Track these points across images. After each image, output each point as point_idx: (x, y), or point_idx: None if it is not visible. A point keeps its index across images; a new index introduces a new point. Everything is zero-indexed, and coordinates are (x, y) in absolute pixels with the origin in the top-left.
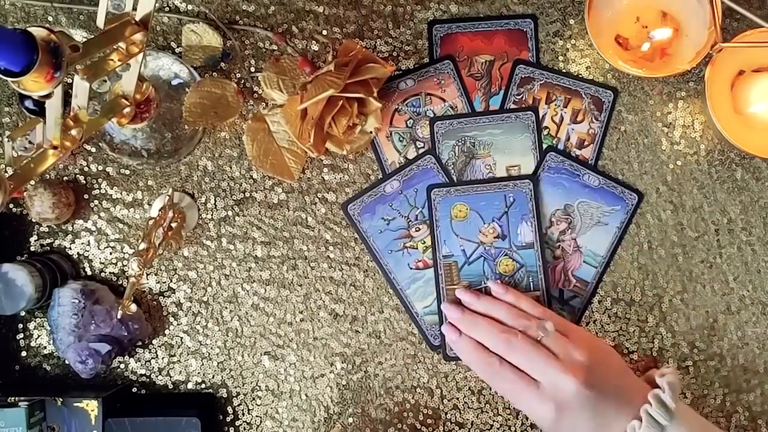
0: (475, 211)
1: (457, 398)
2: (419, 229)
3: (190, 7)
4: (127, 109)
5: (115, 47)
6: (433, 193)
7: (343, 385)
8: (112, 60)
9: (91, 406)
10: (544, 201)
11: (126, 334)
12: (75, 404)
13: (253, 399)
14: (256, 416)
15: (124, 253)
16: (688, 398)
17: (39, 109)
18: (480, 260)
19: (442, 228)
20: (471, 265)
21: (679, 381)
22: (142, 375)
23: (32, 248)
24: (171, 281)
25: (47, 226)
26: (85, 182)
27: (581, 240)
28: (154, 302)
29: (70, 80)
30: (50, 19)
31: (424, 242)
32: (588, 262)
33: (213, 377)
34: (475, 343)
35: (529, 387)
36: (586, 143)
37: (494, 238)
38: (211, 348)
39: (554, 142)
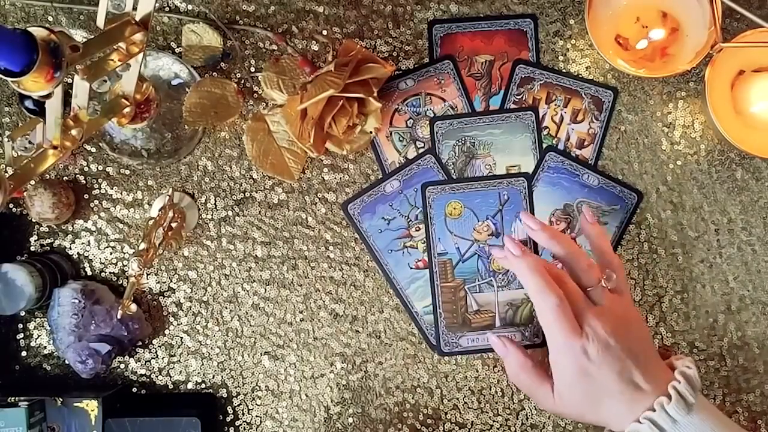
0: (470, 209)
1: (458, 398)
2: (419, 229)
3: (190, 7)
4: (127, 109)
5: (115, 47)
6: (428, 191)
7: (343, 385)
8: (112, 60)
9: (91, 406)
10: (544, 201)
11: (126, 334)
12: (75, 404)
13: (253, 399)
14: (256, 416)
15: (124, 253)
16: None
17: (39, 109)
18: (474, 258)
19: (436, 226)
20: (465, 263)
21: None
22: (142, 375)
23: (32, 248)
24: (171, 281)
25: (47, 226)
26: (85, 182)
27: (581, 239)
28: (154, 302)
29: (70, 80)
30: (50, 19)
31: (424, 242)
32: None
33: (213, 377)
34: (543, 263)
35: (576, 328)
36: (586, 143)
37: (488, 235)
38: (211, 348)
39: (554, 141)
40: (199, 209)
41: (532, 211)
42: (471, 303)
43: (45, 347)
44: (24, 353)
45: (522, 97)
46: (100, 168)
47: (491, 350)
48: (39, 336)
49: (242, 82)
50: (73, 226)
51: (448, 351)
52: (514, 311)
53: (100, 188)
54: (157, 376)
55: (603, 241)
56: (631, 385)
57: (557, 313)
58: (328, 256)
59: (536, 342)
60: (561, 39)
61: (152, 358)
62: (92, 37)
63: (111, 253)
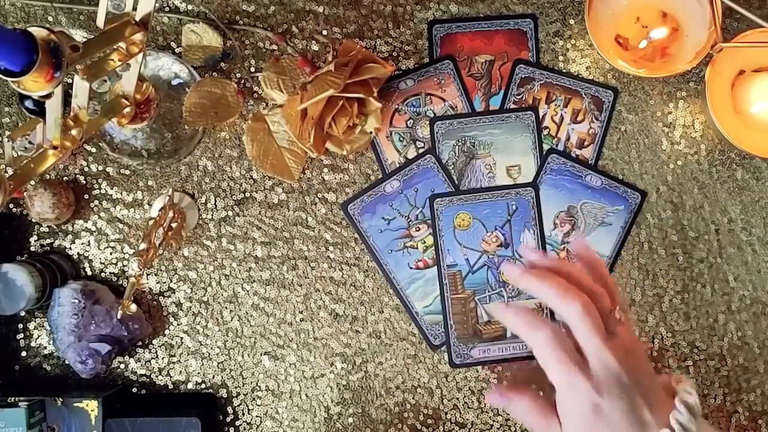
0: (478, 220)
1: (458, 398)
2: (419, 229)
3: (190, 7)
4: (127, 109)
5: (115, 47)
6: (436, 203)
7: (343, 385)
8: (112, 60)
9: (91, 406)
10: (547, 203)
11: (126, 334)
12: (75, 404)
13: (253, 399)
14: (256, 416)
15: (124, 253)
16: None
17: (39, 109)
18: (483, 269)
19: (445, 237)
20: (474, 274)
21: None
22: (142, 375)
23: (32, 248)
24: (171, 281)
25: (47, 226)
26: (85, 182)
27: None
28: (154, 302)
29: (70, 80)
30: (50, 19)
31: (424, 242)
32: None
33: (213, 377)
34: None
35: (579, 365)
36: (586, 143)
37: (497, 246)
38: (211, 348)
39: (554, 142)
40: (199, 209)
41: (539, 220)
42: (481, 314)
43: (45, 347)
44: (24, 353)
45: (522, 97)
46: (100, 168)
47: (503, 361)
48: (39, 336)
49: (242, 82)
50: (73, 226)
51: (460, 362)
52: None
53: (100, 188)
54: (157, 376)
55: (603, 269)
56: (638, 422)
57: (553, 347)
58: (328, 256)
59: None
60: (561, 39)
61: (152, 358)
62: (92, 37)
63: (111, 253)
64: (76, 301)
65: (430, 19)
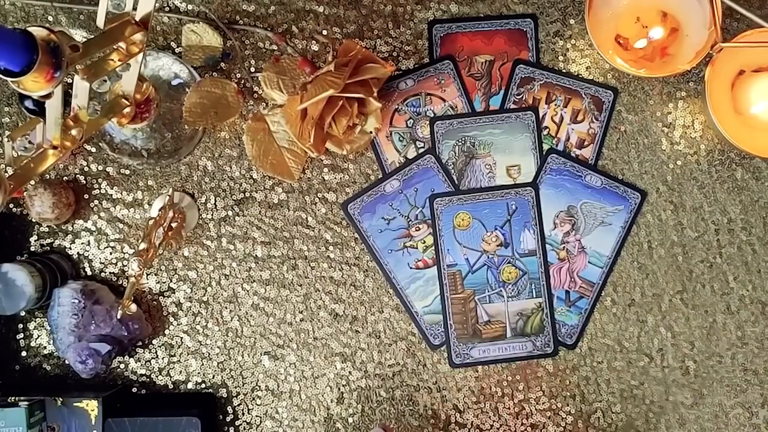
0: (478, 220)
1: (457, 398)
2: (419, 229)
3: (190, 7)
4: (127, 109)
5: (115, 47)
6: (436, 203)
7: (343, 385)
8: (112, 60)
9: (91, 406)
10: (547, 203)
11: (126, 334)
12: (75, 404)
13: (253, 399)
14: (256, 416)
15: (124, 253)
16: (688, 399)
17: (39, 109)
18: (483, 268)
19: (445, 237)
20: (474, 274)
21: None
22: (142, 375)
23: (32, 248)
24: (171, 281)
25: (47, 226)
26: (85, 182)
27: (586, 241)
28: (154, 302)
29: (70, 80)
30: (50, 19)
31: (424, 242)
32: (593, 262)
33: (213, 377)
34: None
35: None
36: (586, 143)
37: (497, 246)
38: (211, 348)
39: (554, 142)
40: (199, 209)
41: (539, 220)
42: (481, 314)
43: (45, 347)
44: (24, 353)
45: (522, 97)
46: (100, 168)
47: (503, 361)
48: (39, 336)
49: (242, 82)
50: (73, 226)
51: (460, 362)
52: (525, 321)
53: (100, 188)
54: (157, 376)
55: None
56: None
57: None
58: (328, 256)
59: (547, 352)
60: (561, 39)
61: (152, 358)
62: (92, 37)
63: (111, 253)
64: (76, 301)
65: (430, 19)
